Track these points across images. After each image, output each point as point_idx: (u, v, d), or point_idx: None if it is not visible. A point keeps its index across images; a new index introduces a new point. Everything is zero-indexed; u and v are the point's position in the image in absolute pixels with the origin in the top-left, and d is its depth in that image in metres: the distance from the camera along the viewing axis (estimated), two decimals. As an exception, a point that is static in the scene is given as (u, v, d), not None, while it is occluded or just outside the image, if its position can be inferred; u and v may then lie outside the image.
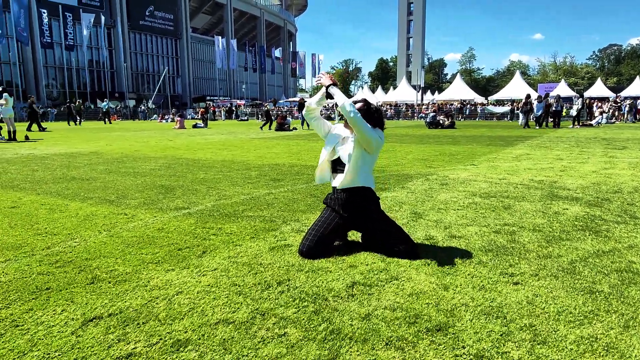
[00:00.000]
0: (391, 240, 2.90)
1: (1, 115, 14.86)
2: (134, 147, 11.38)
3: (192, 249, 3.08)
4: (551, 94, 40.98)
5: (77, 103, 33.29)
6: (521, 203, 4.53)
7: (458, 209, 4.26)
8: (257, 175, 6.57)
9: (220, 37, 61.23)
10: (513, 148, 10.73)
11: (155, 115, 45.57)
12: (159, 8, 62.08)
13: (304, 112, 3.17)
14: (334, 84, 3.01)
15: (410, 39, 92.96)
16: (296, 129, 21.21)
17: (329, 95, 3.03)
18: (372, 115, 3.04)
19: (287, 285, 2.42)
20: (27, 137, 14.95)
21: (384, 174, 6.54)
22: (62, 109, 44.37)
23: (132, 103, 54.24)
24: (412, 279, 2.50)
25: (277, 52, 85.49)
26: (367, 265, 2.74)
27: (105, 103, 40.43)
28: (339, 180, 3.04)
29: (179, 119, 24.34)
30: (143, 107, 46.51)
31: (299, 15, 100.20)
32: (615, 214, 4.03)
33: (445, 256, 2.89)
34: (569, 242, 3.21)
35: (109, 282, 2.50)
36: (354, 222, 3.06)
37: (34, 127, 21.04)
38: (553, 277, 2.53)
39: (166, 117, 41.15)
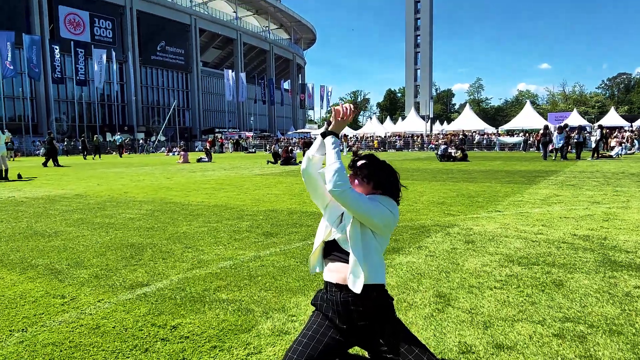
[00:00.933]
0: None
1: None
2: (125, 188, 10.55)
3: (119, 375, 2.12)
4: (564, 123, 40.14)
5: (94, 138, 33.17)
6: (574, 275, 3.52)
7: (495, 288, 3.26)
8: (248, 227, 5.63)
9: (230, 71, 61.66)
10: (537, 187, 9.72)
11: (163, 148, 45.34)
12: (171, 43, 62.96)
13: (303, 165, 2.14)
14: (335, 134, 2.02)
15: (418, 70, 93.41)
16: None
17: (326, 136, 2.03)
18: (378, 178, 2.10)
19: None
20: (19, 176, 14.26)
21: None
22: (71, 142, 44.38)
23: (141, 136, 54.28)
24: None
25: (286, 84, 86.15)
26: (375, 420, 1.76)
27: (119, 137, 40.68)
28: (336, 274, 2.07)
29: (183, 153, 23.69)
30: (142, 141, 46.07)
31: (308, 49, 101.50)
32: None
33: (495, 395, 1.89)
34: (673, 360, 2.19)
35: None
36: (357, 336, 2.08)
37: (50, 162, 21.23)
38: None
39: (174, 150, 40.79)
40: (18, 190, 10.49)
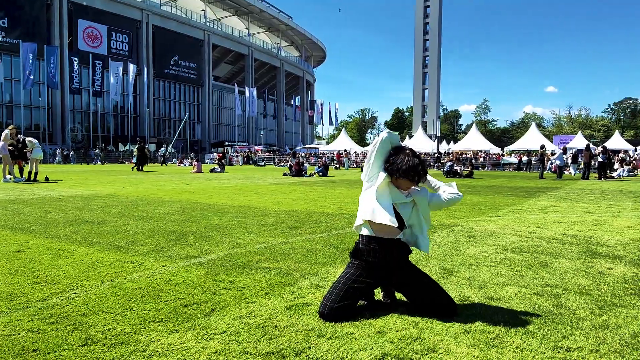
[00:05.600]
0: (430, 294, 2.65)
1: (30, 156, 14.96)
2: (150, 191, 11.28)
3: (199, 306, 2.78)
4: (568, 145, 40.70)
5: (145, 149, 34.36)
6: (559, 260, 4.15)
7: (491, 266, 3.90)
8: (274, 222, 6.31)
9: (240, 86, 62.94)
10: (537, 199, 10.34)
11: (174, 159, 46.27)
12: (184, 58, 64.56)
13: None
14: None
15: (426, 90, 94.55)
16: (313, 175, 21.11)
17: None
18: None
19: (306, 356, 2.09)
20: (46, 178, 15.06)
21: (405, 225, 6.21)
22: (81, 152, 45.50)
23: (152, 147, 55.48)
24: (451, 352, 2.15)
25: (296, 101, 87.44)
26: (397, 331, 2.40)
27: (163, 148, 42.78)
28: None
29: (196, 163, 24.50)
30: (159, 153, 47.17)
31: (318, 66, 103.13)
32: (668, 276, 3.63)
33: (485, 322, 2.54)
34: (625, 309, 2.82)
35: (104, 345, 2.20)
36: (387, 277, 2.77)
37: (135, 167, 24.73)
38: (618, 355, 2.15)
39: (184, 161, 41.71)
40: (51, 190, 11.24)
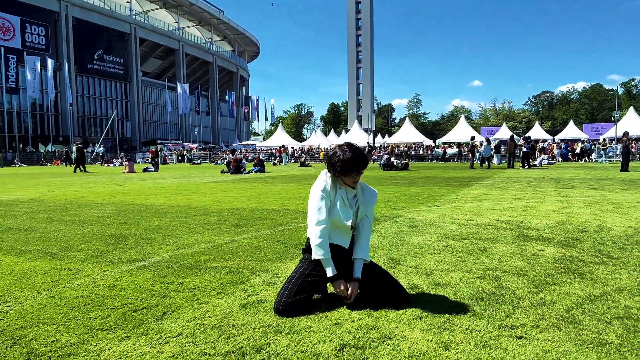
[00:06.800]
0: (384, 285, 2.72)
1: None
2: (79, 193, 10.64)
3: (150, 310, 2.67)
4: (494, 137, 43.29)
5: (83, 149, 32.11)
6: (496, 245, 4.42)
7: (434, 253, 4.07)
8: (217, 221, 6.18)
9: (171, 82, 60.78)
10: (470, 189, 10.90)
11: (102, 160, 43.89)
12: (109, 52, 61.31)
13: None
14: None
15: (360, 85, 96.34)
16: (251, 172, 20.90)
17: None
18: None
19: (267, 352, 2.08)
20: (-43, 184, 13.74)
21: (349, 217, 6.31)
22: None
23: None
24: (407, 338, 2.23)
25: (231, 96, 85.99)
26: (353, 322, 2.45)
27: (101, 149, 40.69)
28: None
29: (127, 162, 23.41)
30: (87, 152, 44.53)
31: (252, 62, 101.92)
32: (591, 254, 3.98)
33: (435, 307, 2.65)
34: (557, 286, 3.06)
35: (49, 358, 2.06)
36: (340, 270, 2.81)
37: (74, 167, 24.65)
38: (556, 328, 2.34)
39: (113, 161, 39.69)
40: (-36, 196, 10.27)
